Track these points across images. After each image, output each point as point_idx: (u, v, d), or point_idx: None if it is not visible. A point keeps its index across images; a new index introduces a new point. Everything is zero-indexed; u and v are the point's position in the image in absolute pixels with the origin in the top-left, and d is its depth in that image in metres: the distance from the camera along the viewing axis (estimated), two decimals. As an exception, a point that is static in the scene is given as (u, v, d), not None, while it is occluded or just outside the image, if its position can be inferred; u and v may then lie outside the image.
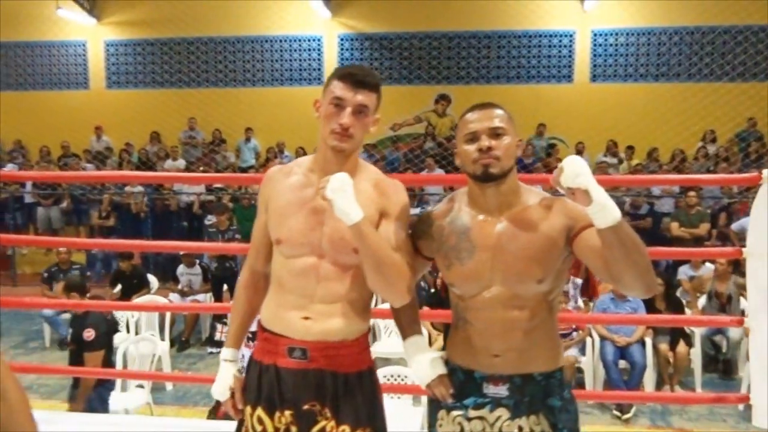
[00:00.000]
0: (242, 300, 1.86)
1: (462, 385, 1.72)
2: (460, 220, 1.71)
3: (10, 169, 10.06)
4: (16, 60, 12.17)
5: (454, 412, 1.71)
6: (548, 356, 1.70)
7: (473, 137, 1.64)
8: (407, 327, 1.80)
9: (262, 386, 1.69)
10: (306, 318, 1.66)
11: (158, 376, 4.70)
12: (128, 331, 5.81)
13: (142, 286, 6.84)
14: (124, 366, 4.54)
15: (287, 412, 1.65)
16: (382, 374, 3.71)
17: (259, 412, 1.68)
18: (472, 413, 1.69)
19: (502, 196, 1.67)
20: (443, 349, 1.85)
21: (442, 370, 1.74)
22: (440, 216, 1.75)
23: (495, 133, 1.62)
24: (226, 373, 1.79)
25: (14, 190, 10.26)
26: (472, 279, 1.67)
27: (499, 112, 1.66)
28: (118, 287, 6.83)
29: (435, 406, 1.77)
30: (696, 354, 5.47)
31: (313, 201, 1.67)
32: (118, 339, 5.63)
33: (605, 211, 1.43)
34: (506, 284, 1.65)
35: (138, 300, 6.21)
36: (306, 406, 1.64)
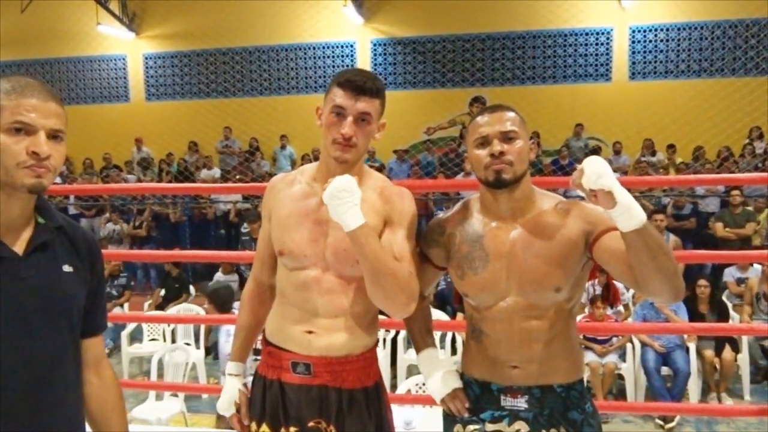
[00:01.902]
0: (247, 312, 1.82)
1: (478, 398, 1.66)
2: (473, 227, 1.64)
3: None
4: (59, 75, 12.56)
5: (471, 426, 1.65)
6: (568, 367, 1.63)
7: (484, 141, 1.57)
8: (420, 340, 1.75)
9: (266, 402, 1.65)
10: (309, 332, 1.61)
11: (189, 387, 4.72)
12: (164, 340, 5.87)
13: (182, 293, 6.95)
14: (159, 375, 4.57)
15: (292, 429, 1.61)
16: (414, 382, 3.65)
17: (264, 428, 1.64)
18: (489, 427, 1.64)
19: (516, 202, 1.60)
20: None
21: (456, 383, 1.68)
22: (452, 223, 1.69)
23: (507, 137, 1.56)
24: (230, 388, 1.75)
25: (59, 202, 10.55)
26: (486, 289, 1.61)
27: (510, 114, 1.59)
28: (162, 290, 6.98)
29: (450, 420, 1.71)
30: (744, 360, 5.25)
31: (316, 211, 1.62)
32: (153, 347, 5.72)
33: (630, 214, 1.35)
34: (523, 293, 1.58)
35: (173, 308, 6.28)
36: (311, 423, 1.60)
